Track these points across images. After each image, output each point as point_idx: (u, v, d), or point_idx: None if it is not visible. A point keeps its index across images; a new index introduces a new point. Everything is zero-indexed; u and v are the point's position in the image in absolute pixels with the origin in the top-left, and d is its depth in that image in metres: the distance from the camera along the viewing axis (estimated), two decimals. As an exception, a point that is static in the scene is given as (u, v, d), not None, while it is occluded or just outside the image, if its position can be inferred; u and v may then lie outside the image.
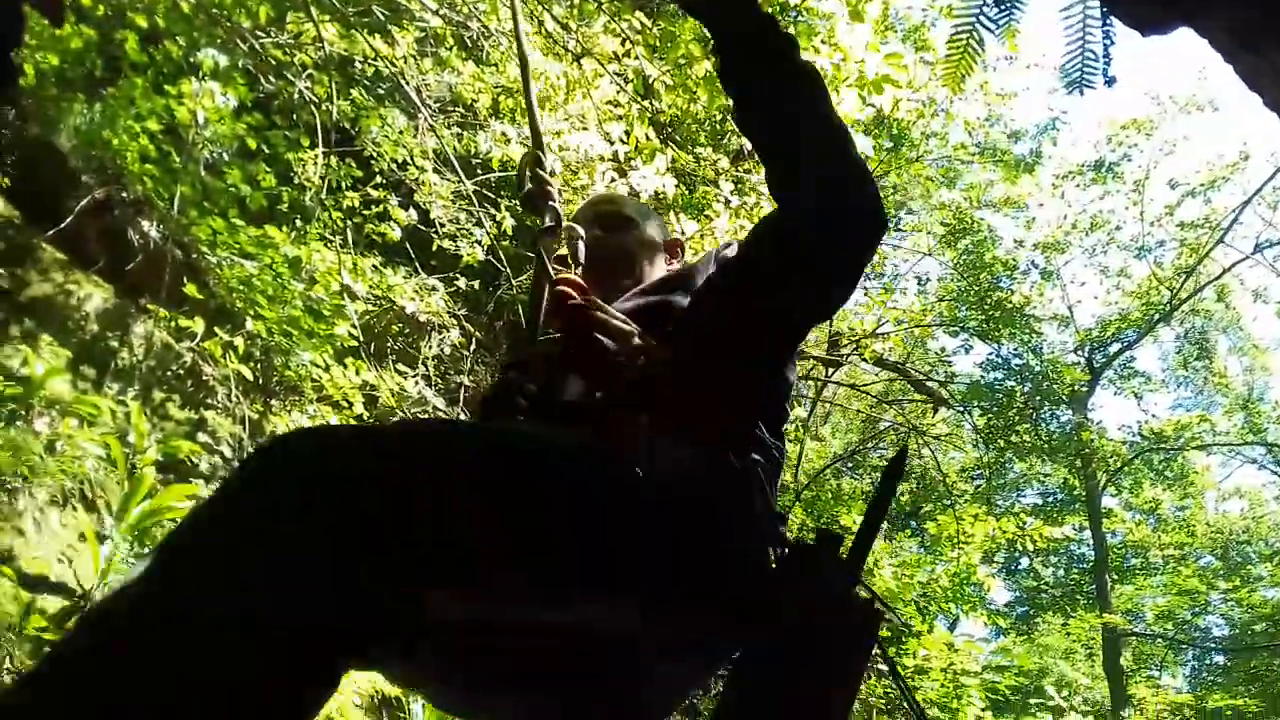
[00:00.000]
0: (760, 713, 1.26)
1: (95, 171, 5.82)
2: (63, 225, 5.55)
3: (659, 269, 2.13)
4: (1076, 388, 19.69)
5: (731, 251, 1.92)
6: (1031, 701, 12.88)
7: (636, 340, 1.60)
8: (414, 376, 8.36)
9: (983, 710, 10.96)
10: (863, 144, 8.07)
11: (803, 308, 1.71)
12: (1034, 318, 17.45)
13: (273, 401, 6.56)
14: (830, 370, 13.56)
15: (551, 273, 1.78)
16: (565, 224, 2.00)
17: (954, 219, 15.00)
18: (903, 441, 20.27)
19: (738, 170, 8.65)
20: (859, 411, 18.88)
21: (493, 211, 8.10)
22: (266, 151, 6.92)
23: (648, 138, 6.94)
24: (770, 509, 1.55)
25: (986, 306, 16.04)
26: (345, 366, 7.01)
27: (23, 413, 4.71)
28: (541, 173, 1.88)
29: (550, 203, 1.88)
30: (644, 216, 2.17)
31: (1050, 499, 24.53)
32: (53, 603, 4.30)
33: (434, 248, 7.98)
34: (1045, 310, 18.63)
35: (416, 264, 8.54)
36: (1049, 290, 20.90)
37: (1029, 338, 18.29)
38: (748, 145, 9.26)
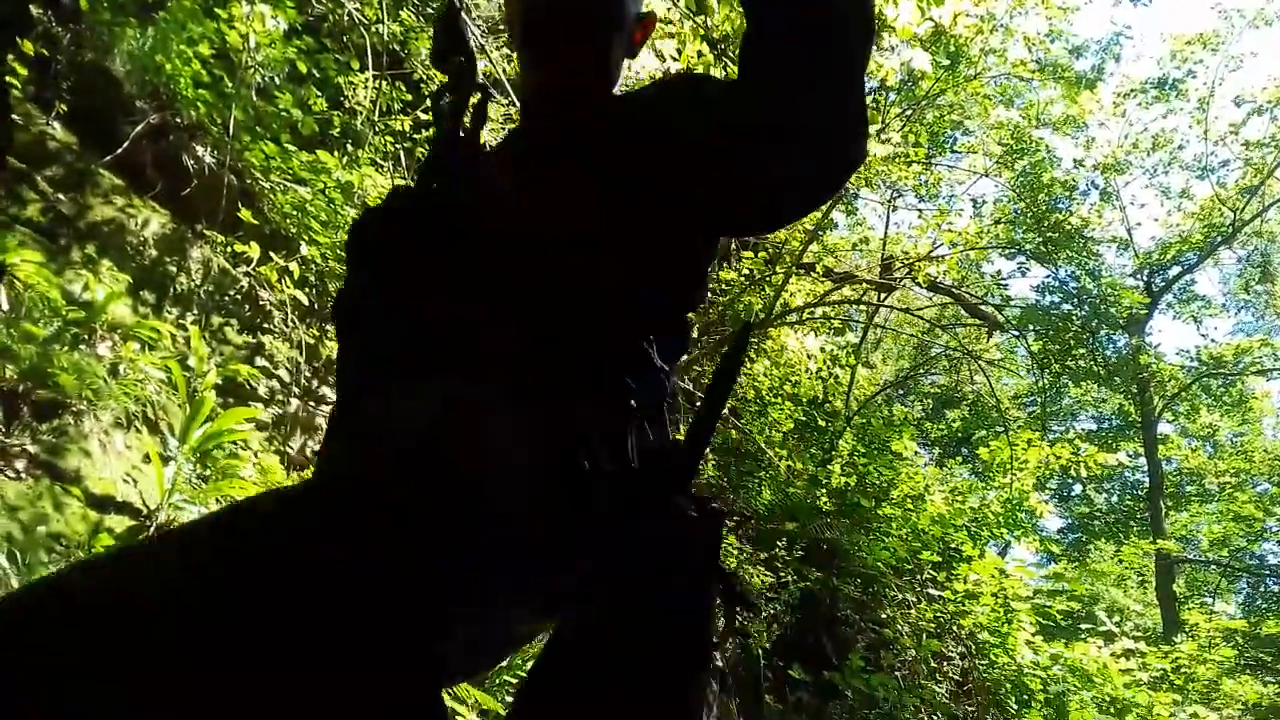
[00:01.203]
0: (595, 637, 1.18)
1: (150, 97, 5.84)
2: (119, 151, 5.58)
3: (617, 75, 1.69)
4: (1134, 312, 19.35)
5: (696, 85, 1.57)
6: (1083, 627, 12.86)
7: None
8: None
9: (1033, 635, 10.98)
10: (921, 60, 7.86)
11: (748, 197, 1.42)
12: (1092, 240, 17.12)
13: (328, 326, 6.61)
14: (882, 295, 13.42)
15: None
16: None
17: (1012, 139, 14.68)
18: (956, 366, 20.14)
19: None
20: (911, 337, 18.74)
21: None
22: (317, 75, 6.90)
23: (700, 54, 6.83)
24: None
25: (1044, 228, 15.76)
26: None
27: (86, 337, 4.78)
28: (459, 28, 1.54)
29: (465, 60, 1.52)
30: None
31: (1105, 425, 24.34)
32: (119, 522, 4.40)
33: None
34: (1104, 233, 18.30)
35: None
36: (1108, 212, 20.50)
37: (1086, 260, 17.96)
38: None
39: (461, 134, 1.44)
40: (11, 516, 3.86)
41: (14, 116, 4.94)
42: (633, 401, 1.34)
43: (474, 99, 1.49)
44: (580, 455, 1.23)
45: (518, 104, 7.71)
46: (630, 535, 1.20)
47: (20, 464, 4.12)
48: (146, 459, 4.66)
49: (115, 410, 4.64)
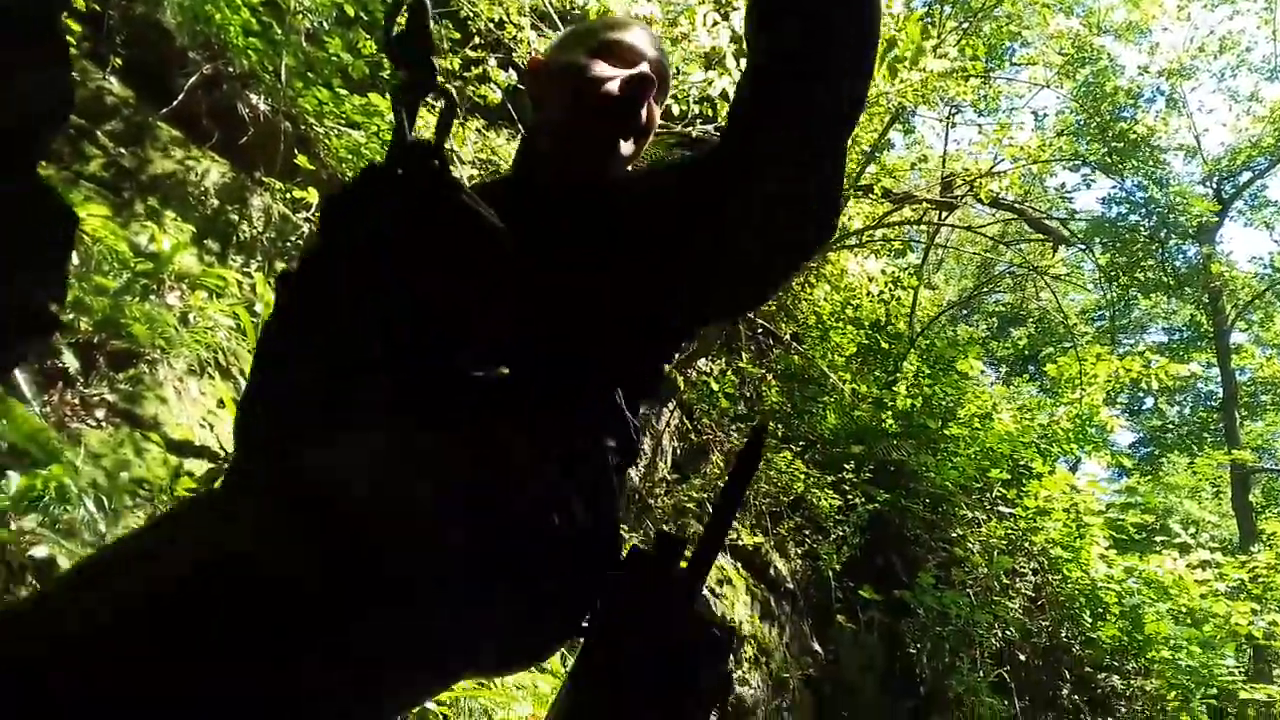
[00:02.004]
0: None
1: (201, 47, 5.88)
2: (175, 103, 5.65)
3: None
4: (1204, 220, 18.87)
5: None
6: (1157, 540, 12.76)
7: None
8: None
9: (1106, 549, 10.94)
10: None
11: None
12: (1158, 149, 16.68)
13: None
14: (943, 214, 13.23)
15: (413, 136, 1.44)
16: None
17: (1073, 48, 14.29)
18: (1021, 283, 19.84)
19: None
20: (974, 255, 18.48)
21: (593, 66, 7.98)
22: (365, 18, 6.90)
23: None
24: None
25: (1108, 139, 15.38)
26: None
27: (155, 287, 4.88)
28: (424, 19, 1.45)
29: (428, 56, 1.46)
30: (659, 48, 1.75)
31: (1176, 336, 23.88)
32: (198, 466, 4.52)
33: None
34: (1171, 140, 17.79)
35: (520, 125, 8.51)
36: (1174, 119, 19.92)
37: (1153, 170, 17.52)
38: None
39: (417, 140, 1.40)
40: (95, 464, 3.99)
41: (71, 73, 5.01)
42: (611, 456, 1.38)
43: (435, 103, 1.50)
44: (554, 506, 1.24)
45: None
46: (642, 637, 1.21)
47: (100, 413, 4.24)
48: (221, 404, 4.77)
49: (188, 358, 4.75)
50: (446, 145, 1.40)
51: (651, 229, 1.44)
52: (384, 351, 1.28)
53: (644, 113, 1.63)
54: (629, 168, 1.71)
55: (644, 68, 1.61)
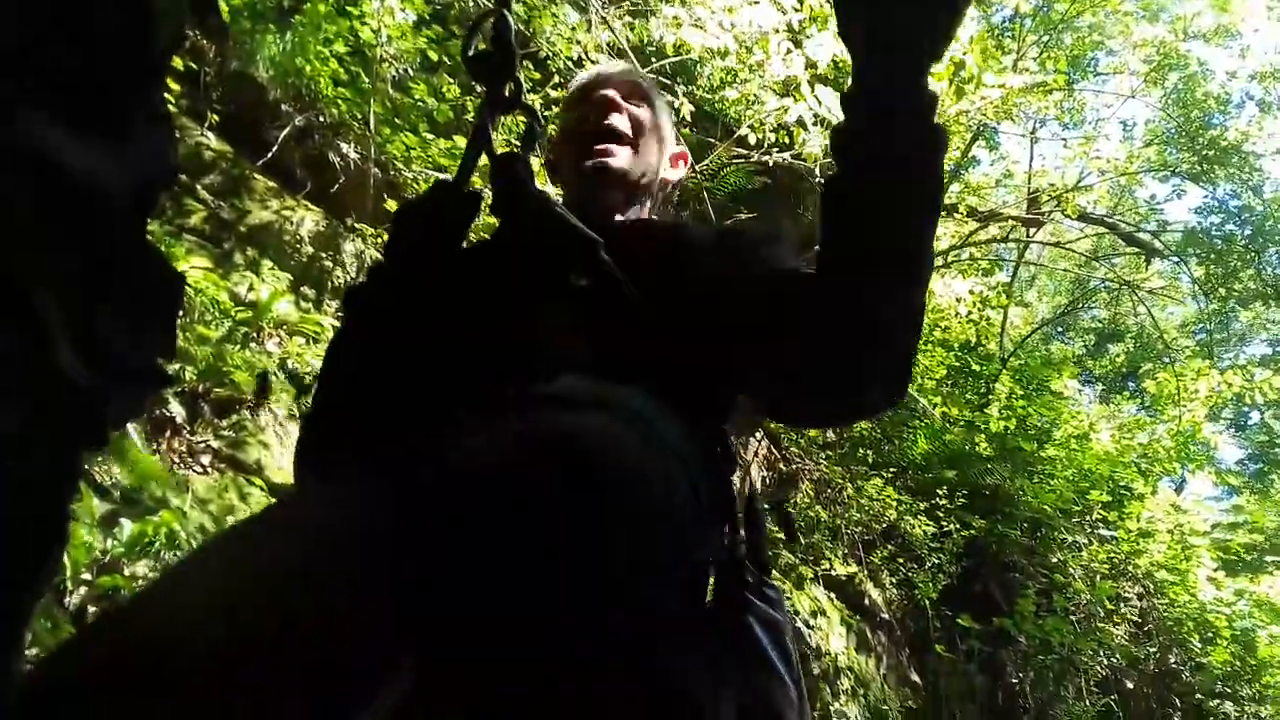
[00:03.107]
0: None
1: (293, 99, 6.08)
2: (269, 155, 5.84)
3: (656, 187, 1.76)
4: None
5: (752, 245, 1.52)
6: (1267, 559, 12.33)
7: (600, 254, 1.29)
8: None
9: (1215, 570, 10.60)
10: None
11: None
12: (1253, 154, 16.21)
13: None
14: (1031, 230, 13.04)
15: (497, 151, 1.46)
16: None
17: (1159, 55, 14.02)
18: (1117, 299, 19.40)
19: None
20: (1066, 271, 18.14)
21: (670, 98, 8.06)
22: (448, 63, 7.06)
23: (822, 4, 6.75)
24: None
25: (1198, 146, 15.01)
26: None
27: (254, 335, 5.04)
28: (507, 35, 1.43)
29: (511, 71, 1.45)
30: (659, 98, 1.79)
31: (1281, 348, 23.11)
32: (300, 507, 4.65)
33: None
34: (1265, 146, 17.27)
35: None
36: (1269, 123, 19.37)
37: (1248, 177, 17.04)
38: None
39: (507, 153, 1.42)
40: (202, 509, 4.12)
41: (177, 150, 5.23)
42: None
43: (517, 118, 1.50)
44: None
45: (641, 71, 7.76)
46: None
47: (205, 459, 4.38)
48: (319, 446, 4.90)
49: (288, 403, 4.88)
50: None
51: (719, 309, 1.37)
52: (466, 364, 1.29)
53: (621, 121, 1.67)
54: (666, 188, 1.78)
55: (604, 93, 1.67)
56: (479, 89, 1.48)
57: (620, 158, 1.65)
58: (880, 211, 1.17)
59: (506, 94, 1.46)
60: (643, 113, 1.70)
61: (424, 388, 1.28)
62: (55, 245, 0.76)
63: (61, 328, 0.78)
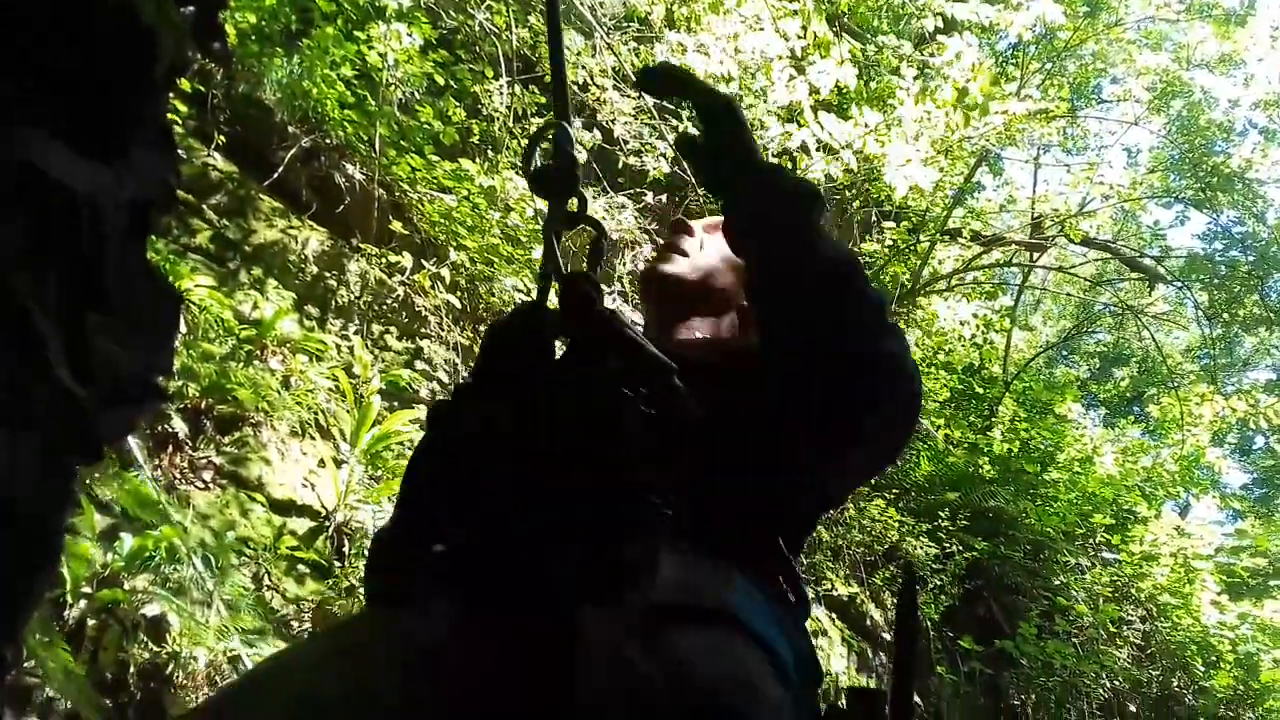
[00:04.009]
0: None
1: (300, 121, 6.14)
2: (275, 175, 5.90)
3: (731, 304, 1.73)
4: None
5: None
6: (1271, 584, 12.28)
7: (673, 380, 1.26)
8: (610, 293, 8.55)
9: (1219, 594, 10.57)
10: (1053, 13, 7.62)
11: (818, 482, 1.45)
12: (1256, 182, 16.22)
13: (480, 327, 6.84)
14: (1035, 255, 13.06)
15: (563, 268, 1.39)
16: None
17: (1162, 83, 14.07)
18: (1121, 323, 19.40)
19: (921, 54, 8.37)
20: (1070, 296, 18.14)
21: (674, 122, 8.12)
22: (454, 86, 7.13)
23: (825, 32, 6.82)
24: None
25: (1201, 173, 15.04)
26: (546, 289, 7.22)
27: (258, 353, 5.08)
28: (568, 148, 1.38)
29: (574, 185, 1.39)
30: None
31: (1286, 373, 23.07)
32: (300, 524, 4.68)
33: (620, 165, 8.08)
34: (1269, 173, 17.28)
35: (604, 184, 8.67)
36: (1273, 151, 19.40)
37: (1252, 203, 17.05)
38: (930, 27, 8.98)
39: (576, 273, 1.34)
40: (203, 524, 4.15)
41: (179, 151, 5.28)
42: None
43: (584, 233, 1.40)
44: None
45: (646, 96, 7.81)
46: None
47: (207, 475, 4.42)
48: (321, 464, 4.93)
49: (290, 420, 4.92)
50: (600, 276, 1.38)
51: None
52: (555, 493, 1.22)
53: (689, 242, 1.70)
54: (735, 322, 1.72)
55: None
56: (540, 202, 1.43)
57: (677, 264, 1.65)
58: (787, 278, 1.33)
59: (572, 209, 1.41)
60: (716, 237, 1.64)
61: (498, 521, 1.23)
62: (52, 262, 0.79)
63: (58, 344, 0.80)
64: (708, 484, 1.30)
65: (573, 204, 1.39)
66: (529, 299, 1.45)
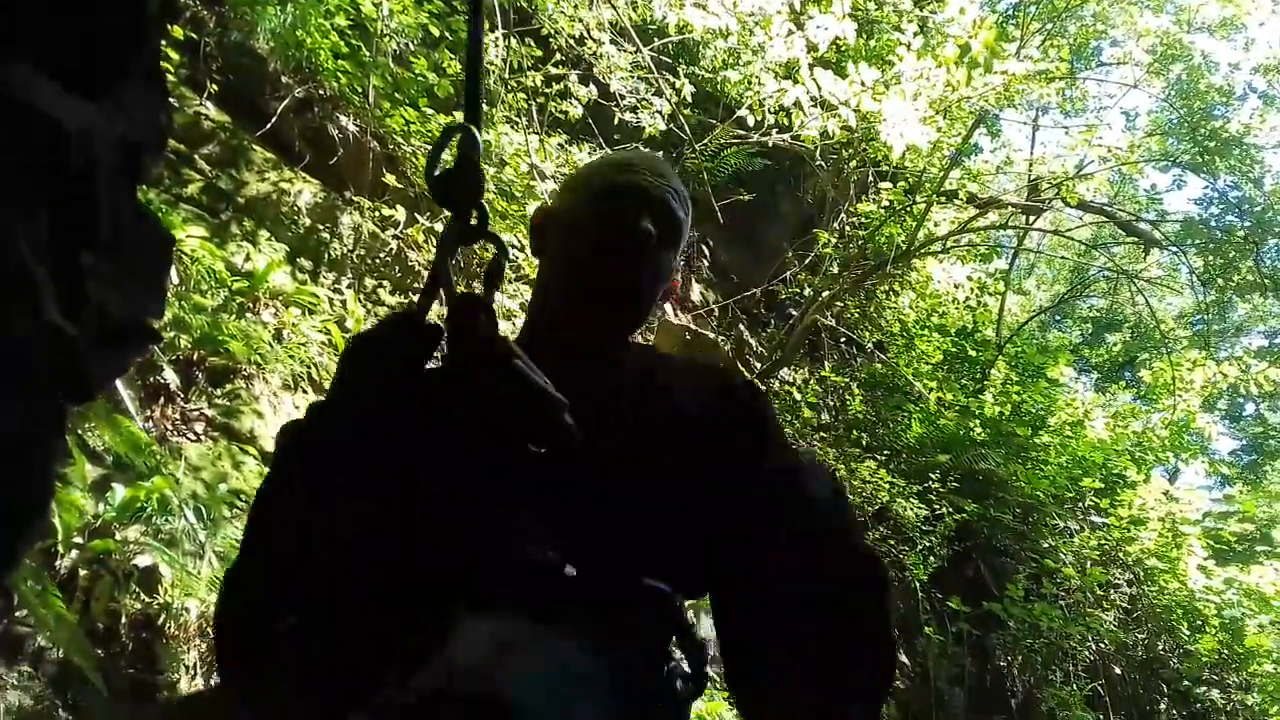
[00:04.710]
0: None
1: (293, 71, 6.08)
2: (268, 125, 5.84)
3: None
4: (1305, 219, 18.25)
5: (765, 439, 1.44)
6: (1258, 549, 12.38)
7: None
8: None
9: (1205, 559, 10.65)
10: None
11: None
12: (1254, 147, 16.18)
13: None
14: (1030, 218, 13.03)
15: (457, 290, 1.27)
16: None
17: (1162, 46, 13.98)
18: (1115, 288, 19.41)
19: (921, 10, 8.30)
20: (1065, 260, 18.13)
21: (671, 79, 8.06)
22: (449, 38, 7.06)
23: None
24: None
25: (1200, 137, 15.00)
26: (540, 245, 7.20)
27: (250, 305, 5.05)
28: (473, 155, 1.26)
29: (477, 199, 1.27)
30: (686, 228, 1.55)
31: (1278, 339, 23.14)
32: (293, 477, 4.67)
33: (615, 121, 8.01)
34: (1267, 138, 17.22)
35: (600, 140, 8.61)
36: (1271, 116, 19.34)
37: (1249, 168, 17.02)
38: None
39: (468, 295, 1.25)
40: (195, 476, 4.15)
41: (170, 100, 5.22)
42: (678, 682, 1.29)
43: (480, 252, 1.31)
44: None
45: (643, 50, 7.74)
46: None
47: (199, 427, 4.41)
48: (313, 417, 4.92)
49: (282, 373, 4.90)
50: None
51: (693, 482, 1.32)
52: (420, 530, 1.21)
53: (647, 278, 1.47)
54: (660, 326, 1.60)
55: (644, 220, 1.42)
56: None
57: (628, 316, 1.50)
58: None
59: (472, 221, 1.28)
60: (665, 259, 1.49)
61: (359, 567, 1.18)
62: (42, 199, 0.77)
63: (48, 281, 0.79)
64: (605, 526, 1.24)
65: (475, 217, 1.28)
66: (401, 309, 1.37)
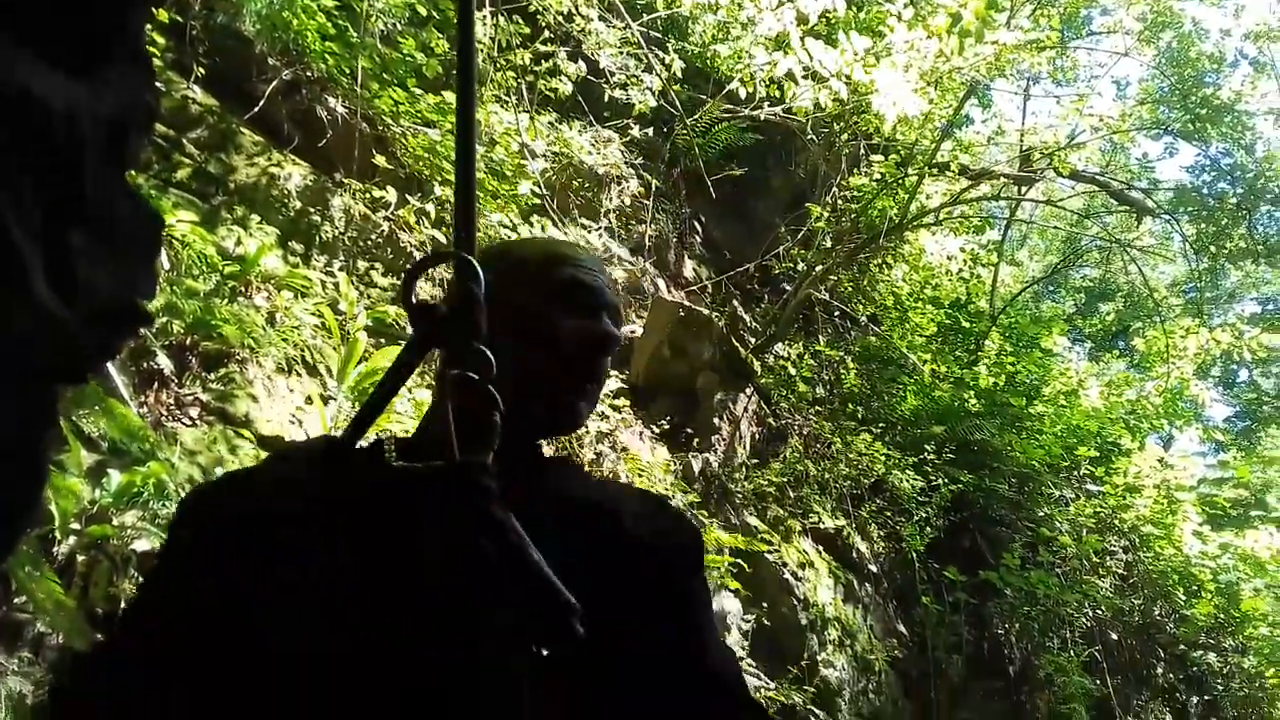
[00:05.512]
0: None
1: (280, 53, 6.04)
2: (256, 108, 5.81)
3: None
4: (1296, 186, 18.27)
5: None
6: (1252, 514, 12.45)
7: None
8: (597, 230, 8.50)
9: (1200, 525, 10.72)
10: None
11: None
12: (1245, 114, 16.18)
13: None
14: (1023, 189, 13.01)
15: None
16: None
17: (1153, 13, 13.95)
18: (1108, 257, 19.42)
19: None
20: (1058, 230, 18.13)
21: (661, 55, 8.03)
22: (437, 17, 7.02)
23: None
24: None
25: (1191, 105, 14.99)
26: (531, 224, 7.19)
27: (242, 289, 5.05)
28: (474, 287, 1.04)
29: (477, 332, 1.03)
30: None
31: (1271, 306, 23.19)
32: (290, 460, 4.67)
33: (605, 98, 7.99)
34: (1258, 105, 17.21)
35: (590, 117, 8.59)
36: (1262, 83, 19.32)
37: (1240, 136, 17.02)
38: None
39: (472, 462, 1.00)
40: (191, 460, 4.15)
41: (157, 83, 5.19)
42: None
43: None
44: None
45: (632, 25, 7.71)
46: None
47: (194, 411, 4.40)
48: (309, 400, 4.92)
49: (276, 356, 4.90)
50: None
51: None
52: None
53: (596, 389, 1.34)
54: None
55: (606, 322, 1.33)
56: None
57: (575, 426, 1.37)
58: None
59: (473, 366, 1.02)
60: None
61: None
62: (29, 178, 0.77)
63: (36, 260, 0.78)
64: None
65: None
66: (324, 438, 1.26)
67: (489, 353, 1.01)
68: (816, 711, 6.67)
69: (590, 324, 1.31)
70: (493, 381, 1.01)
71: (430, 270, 1.11)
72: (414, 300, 1.05)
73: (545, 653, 0.97)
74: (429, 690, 1.02)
